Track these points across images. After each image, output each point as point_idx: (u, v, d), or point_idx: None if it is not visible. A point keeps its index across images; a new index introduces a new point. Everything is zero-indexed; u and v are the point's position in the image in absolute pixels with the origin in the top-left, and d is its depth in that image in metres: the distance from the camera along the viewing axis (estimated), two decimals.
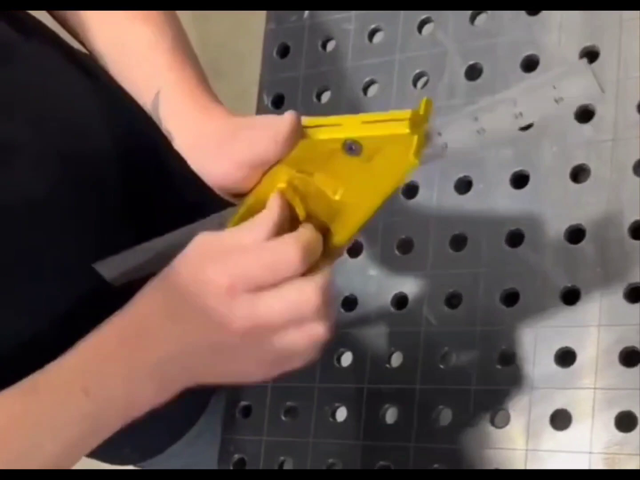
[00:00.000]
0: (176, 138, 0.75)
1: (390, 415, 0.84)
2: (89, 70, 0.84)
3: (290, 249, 0.65)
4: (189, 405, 0.91)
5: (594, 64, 0.81)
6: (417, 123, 0.66)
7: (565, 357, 0.77)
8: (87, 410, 0.68)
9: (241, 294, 0.65)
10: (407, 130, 0.65)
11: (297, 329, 0.67)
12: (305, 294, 0.66)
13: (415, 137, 0.65)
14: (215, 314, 0.66)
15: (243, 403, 0.90)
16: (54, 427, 0.68)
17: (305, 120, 0.69)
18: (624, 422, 0.73)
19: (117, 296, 0.70)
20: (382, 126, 0.66)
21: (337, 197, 0.69)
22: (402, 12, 0.90)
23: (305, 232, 0.67)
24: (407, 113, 0.66)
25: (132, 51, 0.79)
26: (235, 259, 0.66)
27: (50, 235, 0.74)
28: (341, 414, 0.86)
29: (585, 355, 0.76)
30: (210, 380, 0.70)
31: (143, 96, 0.78)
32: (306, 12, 0.95)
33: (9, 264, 0.72)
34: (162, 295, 0.68)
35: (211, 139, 0.72)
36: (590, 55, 0.81)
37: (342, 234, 0.70)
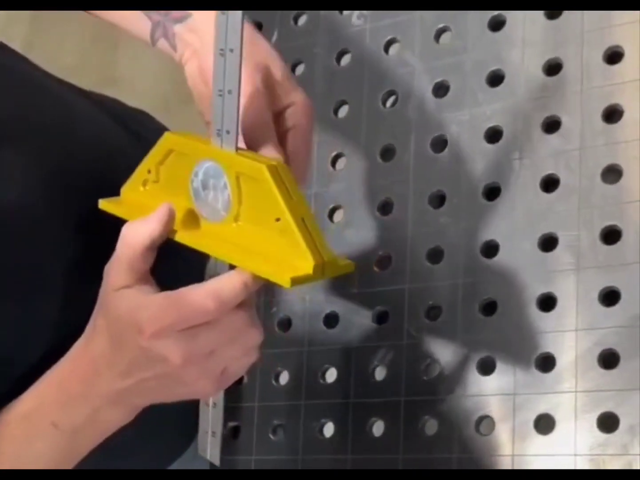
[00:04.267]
0: (196, 18, 0.74)
1: (377, 428, 0.85)
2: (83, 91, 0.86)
3: (207, 301, 0.69)
4: (184, 425, 0.92)
5: (558, 76, 0.83)
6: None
7: (546, 363, 0.79)
8: (59, 441, 0.73)
9: (170, 335, 0.69)
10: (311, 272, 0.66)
11: (233, 344, 0.71)
12: (233, 326, 0.70)
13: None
14: (151, 353, 0.70)
15: (231, 424, 0.92)
16: (29, 461, 0.73)
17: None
18: (606, 423, 0.76)
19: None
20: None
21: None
22: (368, 34, 0.92)
23: (221, 282, 0.69)
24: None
25: None
26: (162, 310, 0.69)
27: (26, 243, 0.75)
28: (328, 429, 0.87)
29: (565, 360, 0.78)
30: (168, 399, 0.74)
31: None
32: (274, 37, 0.97)
33: None
34: (107, 338, 0.71)
35: None
36: (554, 67, 0.84)
37: None
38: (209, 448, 0.89)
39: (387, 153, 0.90)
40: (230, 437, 0.91)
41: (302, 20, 0.97)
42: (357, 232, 0.89)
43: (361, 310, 0.88)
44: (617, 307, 0.77)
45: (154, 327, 0.68)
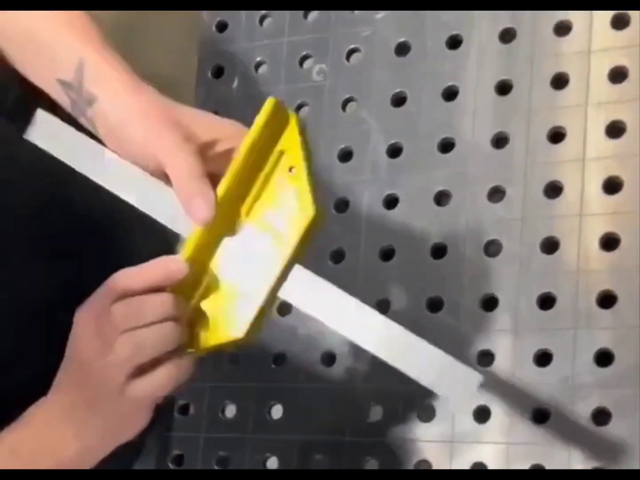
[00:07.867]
0: (102, 102, 0.77)
1: (320, 465, 0.90)
2: None
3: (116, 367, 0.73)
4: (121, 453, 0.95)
5: (504, 149, 0.90)
6: None
7: (482, 414, 0.85)
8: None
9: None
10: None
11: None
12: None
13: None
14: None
15: (176, 452, 0.96)
16: None
17: None
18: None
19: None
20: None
21: None
22: (326, 89, 0.98)
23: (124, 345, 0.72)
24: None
25: (41, 31, 0.80)
26: None
27: None
28: (272, 464, 0.92)
29: (500, 413, 0.85)
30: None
31: (60, 70, 0.79)
32: (235, 83, 1.02)
33: None
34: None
35: (143, 110, 0.76)
36: (501, 140, 0.91)
37: None
38: None
39: (341, 205, 0.95)
40: (175, 465, 0.96)
41: (263, 68, 1.02)
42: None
43: (309, 352, 0.93)
44: (550, 367, 0.84)
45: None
